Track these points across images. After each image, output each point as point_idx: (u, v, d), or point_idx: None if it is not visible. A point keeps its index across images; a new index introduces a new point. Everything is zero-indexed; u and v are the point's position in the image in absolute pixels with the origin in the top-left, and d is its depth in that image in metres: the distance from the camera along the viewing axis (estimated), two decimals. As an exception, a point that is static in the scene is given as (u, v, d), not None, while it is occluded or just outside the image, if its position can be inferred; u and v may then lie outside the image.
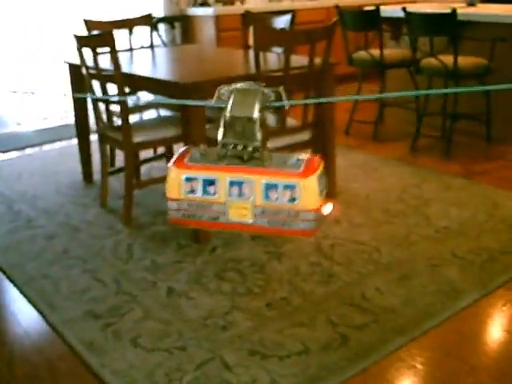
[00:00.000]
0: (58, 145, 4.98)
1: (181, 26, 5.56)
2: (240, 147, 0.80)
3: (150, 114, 3.94)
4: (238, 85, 0.82)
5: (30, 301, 2.78)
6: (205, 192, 0.81)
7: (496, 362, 2.31)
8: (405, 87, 4.81)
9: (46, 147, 4.99)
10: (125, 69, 3.29)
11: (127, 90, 3.47)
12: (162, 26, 5.24)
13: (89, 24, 3.91)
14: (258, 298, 2.72)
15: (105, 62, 3.32)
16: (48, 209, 3.73)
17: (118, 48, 3.53)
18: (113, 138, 3.39)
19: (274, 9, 5.96)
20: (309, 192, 0.78)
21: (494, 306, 2.65)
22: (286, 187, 0.78)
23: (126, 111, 3.23)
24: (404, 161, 4.40)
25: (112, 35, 3.09)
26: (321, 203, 0.80)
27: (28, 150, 4.96)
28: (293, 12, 3.85)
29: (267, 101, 0.81)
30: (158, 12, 5.72)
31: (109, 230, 3.41)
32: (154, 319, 2.60)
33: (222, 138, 0.81)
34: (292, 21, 3.70)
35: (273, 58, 3.53)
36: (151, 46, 4.19)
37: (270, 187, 0.78)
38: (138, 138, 3.31)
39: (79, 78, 3.61)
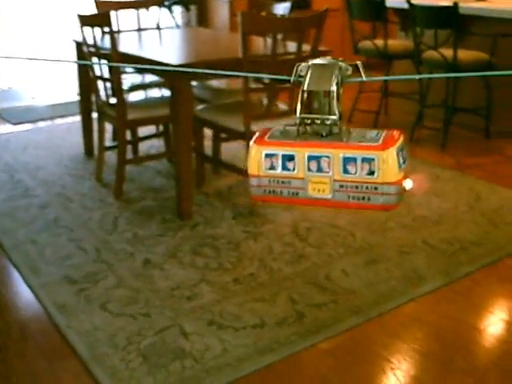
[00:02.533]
0: (67, 120, 5.14)
1: (197, 8, 5.68)
2: (318, 121, 0.80)
3: (154, 93, 4.09)
4: (316, 60, 0.81)
5: (14, 264, 2.95)
6: (284, 168, 0.81)
7: (444, 347, 2.40)
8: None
9: (57, 121, 5.18)
10: (124, 48, 3.43)
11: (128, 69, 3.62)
12: (177, 9, 5.36)
13: (98, 4, 4.05)
14: (227, 273, 2.84)
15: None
16: (46, 179, 3.91)
17: (123, 28, 3.67)
18: (109, 114, 3.54)
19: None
20: (388, 165, 0.77)
21: (452, 294, 2.73)
22: (365, 160, 0.77)
23: (119, 89, 3.36)
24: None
25: (109, 15, 3.22)
26: (401, 177, 0.78)
27: (39, 124, 5.16)
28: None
29: (345, 75, 0.80)
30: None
31: (99, 203, 3.56)
32: (125, 287, 2.74)
33: (300, 114, 0.80)
34: (292, 8, 3.77)
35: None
36: (158, 28, 4.31)
37: (348, 161, 0.78)
38: (131, 115, 3.45)
39: (84, 56, 3.76)
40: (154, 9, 4.33)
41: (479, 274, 2.89)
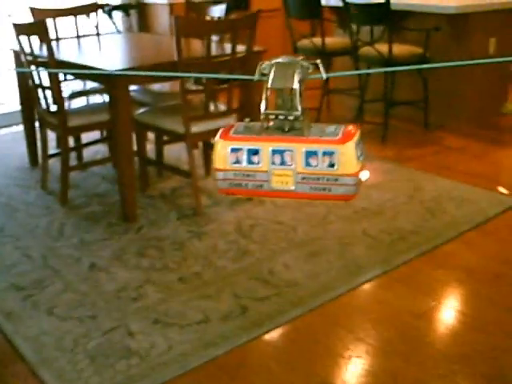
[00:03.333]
0: (11, 129, 5.12)
1: (137, 13, 5.71)
2: (281, 117, 0.83)
3: (96, 99, 4.12)
4: (279, 59, 0.85)
5: (-41, 275, 2.96)
6: (249, 161, 0.85)
7: (383, 333, 2.49)
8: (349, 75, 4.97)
9: (1, 132, 5.15)
10: (62, 56, 3.46)
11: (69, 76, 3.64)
12: (118, 14, 5.38)
13: (34, 12, 4.05)
14: (172, 273, 2.90)
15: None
16: (-9, 190, 3.91)
17: (62, 35, 3.68)
18: (50, 122, 3.55)
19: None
20: (347, 157, 0.81)
21: (391, 282, 2.84)
22: (325, 153, 0.81)
23: (59, 96, 3.38)
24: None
25: (44, 24, 3.24)
26: (359, 168, 0.83)
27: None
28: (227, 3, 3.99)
29: (306, 73, 0.84)
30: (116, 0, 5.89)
31: (45, 210, 3.58)
32: (72, 291, 2.78)
33: (264, 110, 0.84)
34: (227, 10, 3.84)
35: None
36: (97, 34, 4.33)
37: (310, 154, 0.82)
38: (72, 122, 3.47)
39: (22, 65, 3.76)
40: (92, 15, 4.35)
41: (417, 262, 3.00)
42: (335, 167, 0.82)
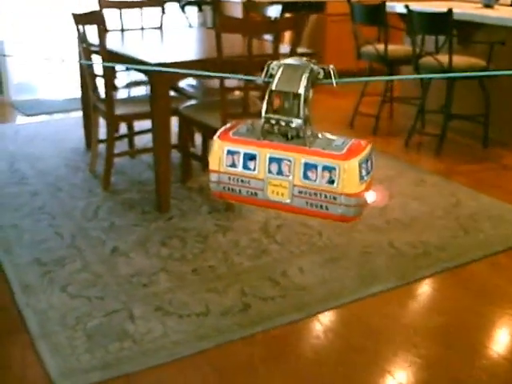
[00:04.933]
0: (78, 113, 5.34)
1: (212, 9, 5.81)
2: (283, 123, 0.78)
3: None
4: (288, 60, 0.80)
5: (-8, 245, 3.14)
6: (245, 167, 0.79)
7: (378, 347, 2.45)
8: (411, 83, 4.88)
9: (69, 115, 5.40)
10: (113, 46, 3.59)
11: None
12: (193, 9, 5.50)
13: (101, 2, 4.22)
14: (188, 264, 2.96)
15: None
16: (43, 169, 4.10)
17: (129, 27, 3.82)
18: (101, 109, 3.70)
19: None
20: (348, 175, 0.75)
21: (403, 297, 2.78)
22: (325, 168, 0.76)
23: (109, 85, 3.52)
24: (392, 155, 4.49)
25: (101, 14, 3.38)
26: (362, 189, 0.76)
27: (52, 116, 5.39)
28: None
29: (315, 77, 0.78)
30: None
31: (87, 193, 3.73)
32: (88, 272, 2.89)
33: (266, 113, 0.79)
34: (282, 10, 3.87)
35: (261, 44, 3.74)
36: (160, 27, 4.46)
37: (309, 167, 0.76)
38: (119, 111, 3.60)
39: (85, 54, 3.93)
40: (156, 9, 4.48)
41: (435, 279, 2.93)
42: (335, 184, 0.76)
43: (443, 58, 4.21)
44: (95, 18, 3.44)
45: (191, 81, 4.24)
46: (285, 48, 3.42)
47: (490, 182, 4.03)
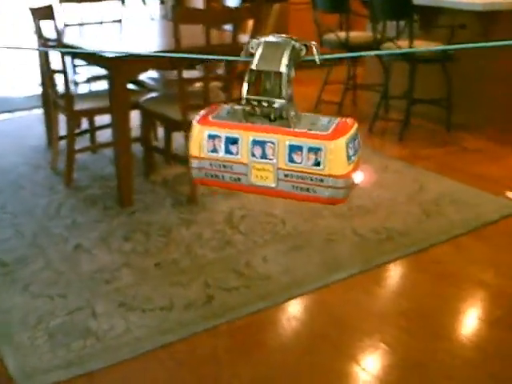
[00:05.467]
0: (35, 111, 5.24)
1: (174, 1, 5.77)
2: (265, 104, 0.74)
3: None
4: (268, 37, 0.75)
5: (-50, 247, 3.09)
6: (227, 151, 0.76)
7: (341, 332, 2.47)
8: (374, 69, 4.89)
9: (32, 112, 5.31)
10: (70, 40, 3.55)
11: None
12: (155, 1, 5.45)
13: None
14: (151, 258, 2.94)
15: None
16: (4, 168, 4.04)
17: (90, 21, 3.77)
18: (59, 104, 3.65)
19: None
20: (335, 156, 0.72)
21: (367, 282, 2.79)
22: (311, 150, 0.72)
23: (67, 80, 3.47)
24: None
25: (52, 8, 3.33)
26: (350, 170, 0.73)
27: (12, 114, 5.31)
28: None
29: (297, 55, 0.74)
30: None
31: (49, 190, 3.69)
32: (51, 270, 2.86)
33: (246, 94, 0.75)
34: (243, 0, 3.85)
35: (220, 34, 3.72)
36: (120, 20, 4.41)
37: (294, 149, 0.73)
38: (78, 106, 3.56)
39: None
40: (116, 2, 4.43)
41: (399, 264, 2.95)
42: (321, 166, 0.72)
43: (404, 44, 4.22)
44: (50, 12, 3.39)
45: (152, 73, 4.20)
46: (245, 38, 3.40)
47: (452, 166, 4.06)
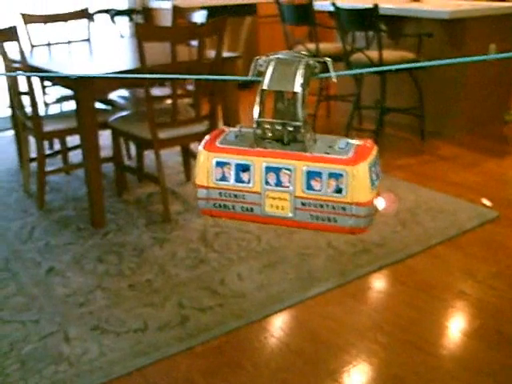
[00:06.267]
0: (7, 133, 5.20)
1: (143, 18, 5.75)
2: (278, 127, 0.70)
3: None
4: (279, 54, 0.71)
5: None
6: (238, 179, 0.71)
7: (317, 348, 2.44)
8: (346, 81, 4.91)
9: (2, 134, 5.26)
10: (35, 62, 3.52)
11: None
12: (124, 19, 5.42)
13: (25, 17, 4.13)
14: (124, 279, 2.90)
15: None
16: (-25, 192, 4.00)
17: (50, 41, 3.73)
18: (28, 126, 3.61)
19: (234, 2, 6.15)
20: (359, 182, 0.67)
21: (343, 296, 2.77)
22: (331, 176, 0.68)
23: (34, 102, 3.43)
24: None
25: (15, 30, 3.29)
26: (373, 196, 0.69)
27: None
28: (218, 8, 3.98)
29: (312, 73, 0.70)
30: (123, 5, 5.96)
31: (21, 213, 3.64)
32: (23, 295, 2.81)
33: (258, 117, 0.70)
34: (208, 16, 3.84)
35: (188, 51, 3.70)
36: (88, 39, 4.39)
37: (312, 175, 0.69)
38: (47, 127, 3.52)
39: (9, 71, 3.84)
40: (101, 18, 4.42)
41: (375, 276, 2.94)
42: (343, 193, 0.68)
43: (373, 54, 4.24)
44: (12, 33, 3.35)
45: (123, 92, 4.17)
46: (210, 53, 3.39)
47: (426, 174, 4.07)
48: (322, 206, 0.69)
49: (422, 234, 3.27)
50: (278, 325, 2.61)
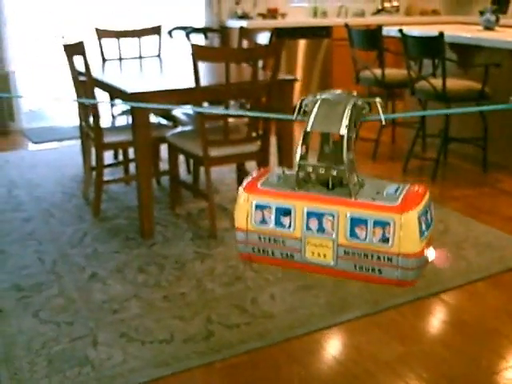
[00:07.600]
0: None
1: (219, 37, 5.90)
2: (322, 170, 0.67)
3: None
4: (325, 94, 0.69)
5: (-24, 270, 3.23)
6: (278, 223, 0.69)
7: (337, 376, 2.44)
8: (412, 107, 4.86)
9: (78, 142, 5.51)
10: (99, 75, 3.70)
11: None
12: (198, 36, 5.57)
13: (99, 33, 4.33)
14: (160, 291, 2.99)
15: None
16: (40, 196, 4.21)
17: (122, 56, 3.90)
18: (91, 137, 3.78)
19: (311, 24, 6.21)
20: (406, 232, 0.64)
21: (371, 325, 2.74)
22: (377, 224, 0.64)
23: (96, 114, 3.60)
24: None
25: (82, 45, 3.47)
26: (422, 246, 0.65)
27: (60, 143, 5.53)
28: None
29: (360, 114, 0.69)
30: (200, 23, 6.14)
31: (77, 219, 3.81)
32: (64, 297, 2.95)
33: (301, 159, 0.67)
34: (271, 37, 3.91)
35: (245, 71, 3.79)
36: (158, 55, 4.55)
37: (356, 222, 0.65)
38: (107, 139, 3.68)
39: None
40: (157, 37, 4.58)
41: (408, 308, 2.89)
42: (389, 243, 0.64)
43: (437, 82, 4.18)
44: (80, 48, 3.52)
45: (187, 109, 4.30)
46: (266, 75, 3.45)
47: (482, 208, 3.96)
48: (366, 256, 0.65)
49: (464, 269, 3.19)
50: (300, 348, 2.61)
